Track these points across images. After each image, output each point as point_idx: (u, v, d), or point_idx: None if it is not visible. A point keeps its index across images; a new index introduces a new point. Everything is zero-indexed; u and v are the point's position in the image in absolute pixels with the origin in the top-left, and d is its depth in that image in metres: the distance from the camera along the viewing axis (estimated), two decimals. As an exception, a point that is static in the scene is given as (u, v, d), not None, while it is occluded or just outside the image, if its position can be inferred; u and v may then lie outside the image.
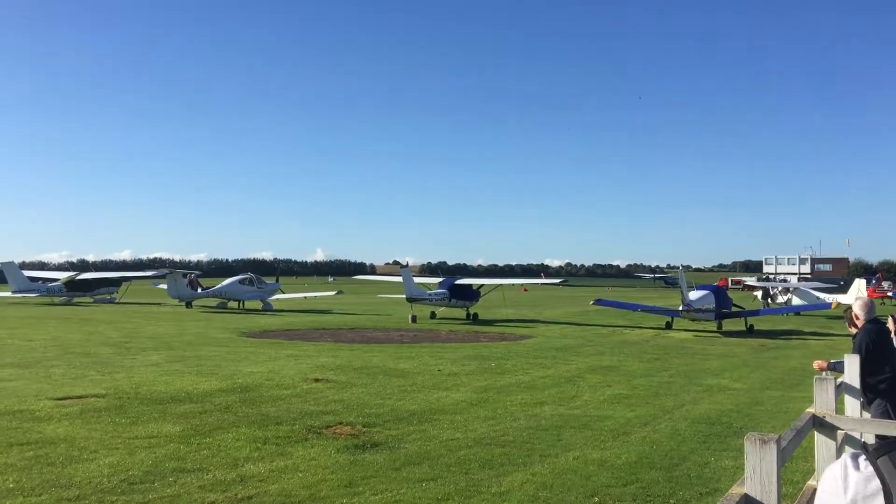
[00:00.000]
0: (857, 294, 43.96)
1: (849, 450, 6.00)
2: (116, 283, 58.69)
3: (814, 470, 6.33)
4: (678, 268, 45.03)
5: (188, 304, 46.70)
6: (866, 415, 8.09)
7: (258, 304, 45.96)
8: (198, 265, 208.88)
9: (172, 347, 23.01)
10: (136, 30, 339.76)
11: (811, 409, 5.31)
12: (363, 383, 16.14)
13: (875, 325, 8.83)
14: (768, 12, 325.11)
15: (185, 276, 48.49)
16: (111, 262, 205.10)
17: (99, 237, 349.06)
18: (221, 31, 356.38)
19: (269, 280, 51.00)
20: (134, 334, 27.57)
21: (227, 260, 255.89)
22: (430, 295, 38.20)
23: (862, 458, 1.59)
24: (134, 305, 49.40)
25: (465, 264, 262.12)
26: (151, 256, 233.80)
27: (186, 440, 10.48)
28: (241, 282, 47.62)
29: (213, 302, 47.21)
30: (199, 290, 47.96)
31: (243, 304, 46.47)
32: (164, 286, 47.74)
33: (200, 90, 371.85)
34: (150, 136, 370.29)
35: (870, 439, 7.07)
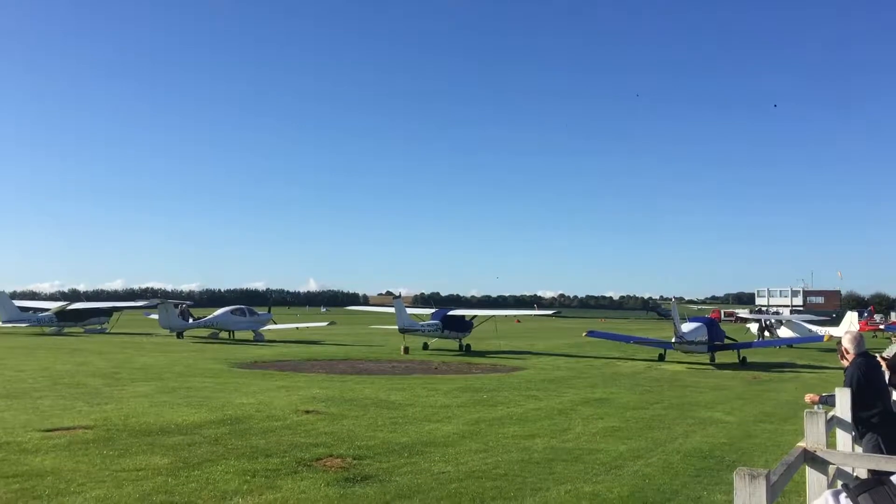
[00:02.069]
0: (848, 327, 44.09)
1: (837, 485, 5.97)
2: (107, 312, 58.35)
3: (805, 505, 6.29)
4: (671, 299, 45.10)
5: (179, 335, 46.46)
6: (858, 448, 8.08)
7: (250, 335, 45.77)
8: (190, 295, 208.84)
9: (162, 378, 22.85)
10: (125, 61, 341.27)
11: (802, 444, 5.31)
12: (354, 415, 16.04)
13: (865, 358, 8.85)
14: (766, 43, 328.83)
15: (176, 306, 48.34)
16: (103, 291, 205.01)
17: (91, 267, 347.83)
18: (208, 55, 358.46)
19: (261, 310, 50.87)
20: (124, 365, 27.38)
21: (219, 290, 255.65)
22: (422, 326, 38.11)
23: (843, 496, 1.59)
24: (125, 336, 49.10)
25: (458, 295, 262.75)
26: (143, 286, 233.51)
27: (175, 473, 10.37)
28: (232, 312, 47.44)
29: (205, 332, 47.00)
30: (191, 321, 47.76)
31: (233, 334, 46.30)
32: (156, 316, 47.54)
33: (193, 120, 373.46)
34: (142, 165, 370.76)
35: (862, 473, 7.05)
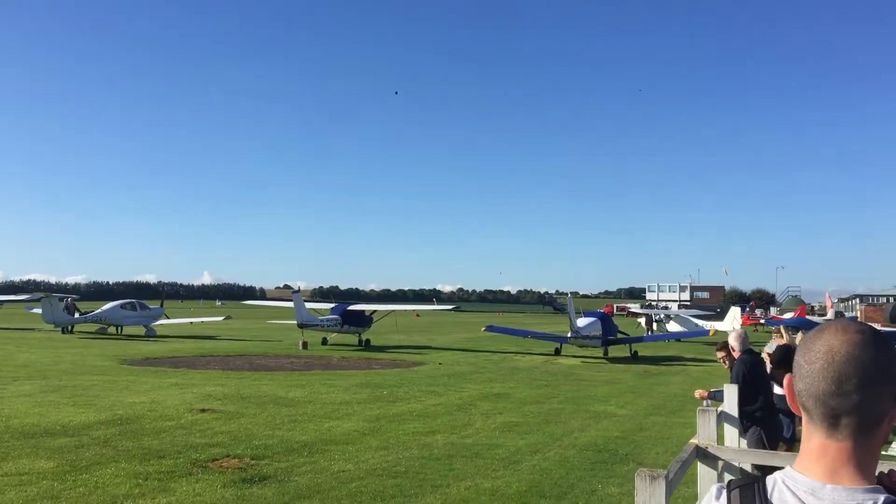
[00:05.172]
0: (732, 321, 46.23)
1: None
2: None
3: (696, 496, 6.56)
4: (567, 294, 46.19)
5: (65, 330, 44.41)
6: (743, 442, 8.48)
7: (141, 330, 44.19)
8: (75, 288, 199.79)
9: (47, 376, 21.78)
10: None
11: (694, 440, 5.53)
12: (251, 413, 15.73)
13: (750, 355, 9.31)
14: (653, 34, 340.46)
15: (61, 299, 46.16)
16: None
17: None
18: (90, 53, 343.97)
19: (153, 304, 49.20)
20: (4, 362, 25.96)
21: (107, 283, 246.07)
22: (321, 321, 37.70)
23: (724, 491, 1.67)
24: (5, 331, 46.51)
25: (357, 289, 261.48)
26: (24, 278, 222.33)
27: (61, 477, 9.92)
28: (122, 306, 45.68)
29: (92, 327, 45.10)
30: (77, 315, 45.75)
31: (121, 329, 44.58)
32: (39, 310, 45.29)
33: (81, 107, 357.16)
34: (21, 145, 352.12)
35: (747, 466, 7.41)
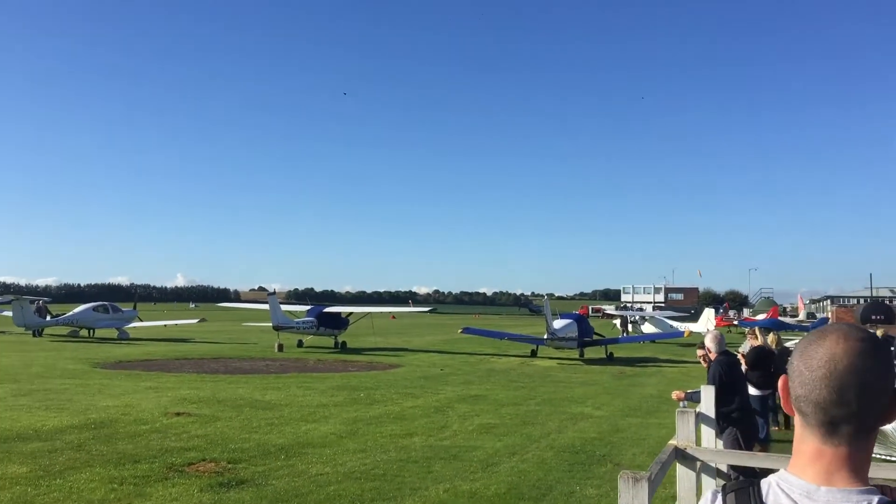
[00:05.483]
0: (706, 322, 46.66)
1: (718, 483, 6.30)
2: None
3: (674, 497, 6.60)
4: (543, 296, 46.35)
5: (36, 333, 43.81)
6: (720, 443, 8.56)
7: (113, 333, 43.68)
8: (46, 291, 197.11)
9: (18, 380, 21.46)
10: None
11: (673, 441, 5.57)
12: (228, 416, 15.61)
13: (727, 356, 9.40)
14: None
15: (32, 302, 45.54)
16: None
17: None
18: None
19: (126, 307, 48.66)
20: (-27, 366, 25.55)
21: (78, 285, 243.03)
22: (297, 323, 37.52)
23: (719, 495, 1.69)
24: (-27, 334, 45.82)
25: (332, 291, 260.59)
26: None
27: (35, 482, 9.78)
28: (94, 309, 45.12)
29: (64, 330, 44.53)
30: (49, 318, 45.14)
31: (93, 332, 44.06)
32: (9, 313, 44.61)
33: (52, 109, 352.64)
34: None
35: (723, 466, 7.47)
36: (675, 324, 50.33)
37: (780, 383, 1.65)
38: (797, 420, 1.60)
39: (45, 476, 10.14)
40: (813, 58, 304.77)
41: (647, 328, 49.63)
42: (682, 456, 5.36)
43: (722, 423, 8.83)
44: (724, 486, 1.70)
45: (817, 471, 1.52)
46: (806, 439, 1.56)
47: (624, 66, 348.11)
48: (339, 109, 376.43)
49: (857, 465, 1.52)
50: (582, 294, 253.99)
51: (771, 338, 16.35)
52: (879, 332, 18.00)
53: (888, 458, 10.03)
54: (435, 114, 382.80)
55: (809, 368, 1.55)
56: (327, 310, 39.92)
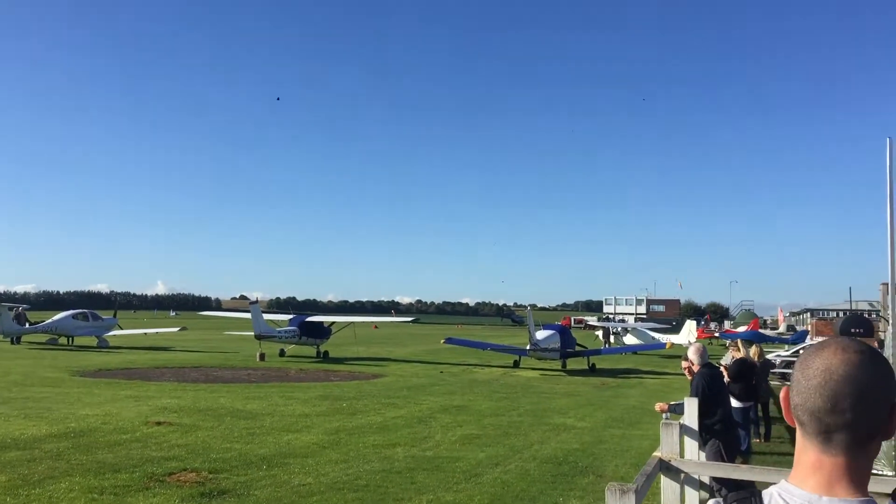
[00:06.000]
0: (688, 334, 46.91)
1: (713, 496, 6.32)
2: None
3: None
4: (525, 307, 46.47)
5: (14, 340, 43.32)
6: (703, 455, 8.60)
7: (93, 341, 43.27)
8: (24, 297, 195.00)
9: (-5, 388, 21.23)
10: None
11: (658, 453, 5.59)
12: (209, 426, 15.50)
13: (710, 368, 9.46)
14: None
15: (10, 309, 45.06)
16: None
17: None
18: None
19: (106, 314, 48.24)
20: (-50, 373, 25.24)
21: (57, 292, 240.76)
22: (279, 332, 37.35)
23: None
24: (-50, 341, 45.24)
25: (315, 300, 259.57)
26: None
27: (13, 491, 9.67)
28: (74, 316, 44.70)
29: (42, 338, 44.08)
30: (27, 325, 44.66)
31: (72, 340, 43.61)
32: (-13, 320, 44.12)
33: (30, 114, 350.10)
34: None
35: (706, 478, 7.51)
36: (656, 335, 50.57)
37: (781, 394, 1.69)
38: (798, 430, 1.63)
39: (24, 485, 10.02)
40: (796, 70, 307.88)
41: (630, 339, 49.84)
42: (666, 468, 5.38)
43: (705, 434, 8.87)
44: (725, 496, 1.71)
45: (818, 481, 1.55)
46: (806, 449, 1.59)
47: (622, 73, 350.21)
48: (322, 116, 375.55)
49: (856, 476, 1.55)
50: (564, 305, 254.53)
51: (753, 350, 16.45)
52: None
53: (876, 472, 10.12)
54: (418, 124, 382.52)
55: (806, 378, 1.59)
56: (310, 319, 39.77)
